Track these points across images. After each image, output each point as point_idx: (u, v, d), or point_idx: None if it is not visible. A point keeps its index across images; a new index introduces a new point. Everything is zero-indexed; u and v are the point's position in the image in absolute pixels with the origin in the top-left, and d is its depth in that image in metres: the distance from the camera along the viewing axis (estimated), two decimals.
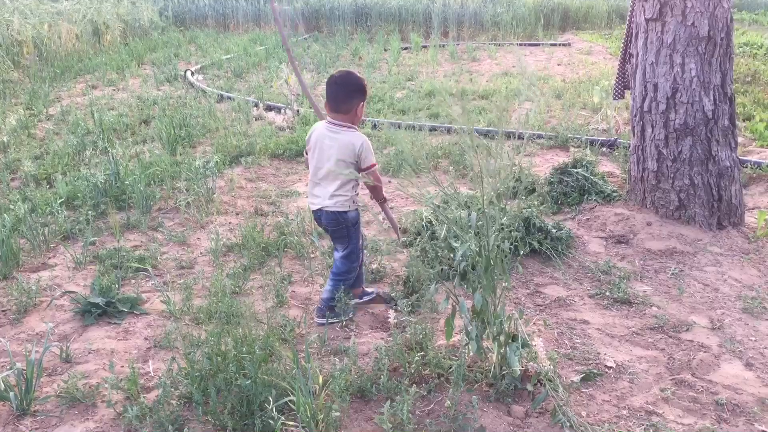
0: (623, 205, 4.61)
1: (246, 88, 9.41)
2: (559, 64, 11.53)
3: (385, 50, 13.34)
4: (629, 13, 4.63)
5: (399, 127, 6.93)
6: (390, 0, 16.92)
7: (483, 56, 12.62)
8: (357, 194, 3.36)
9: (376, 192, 3.47)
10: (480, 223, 2.66)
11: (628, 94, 4.84)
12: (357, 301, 3.53)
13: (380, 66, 11.59)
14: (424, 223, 4.31)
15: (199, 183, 5.06)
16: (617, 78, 4.95)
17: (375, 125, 7.13)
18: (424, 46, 13.64)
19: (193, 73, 10.48)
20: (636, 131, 4.49)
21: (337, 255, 3.43)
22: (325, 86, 3.40)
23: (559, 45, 13.92)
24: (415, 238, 4.22)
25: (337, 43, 13.99)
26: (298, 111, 7.66)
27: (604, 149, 6.08)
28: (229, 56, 12.25)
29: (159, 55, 12.35)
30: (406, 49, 13.48)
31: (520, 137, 6.61)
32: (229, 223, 4.68)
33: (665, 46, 4.18)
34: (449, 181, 5.32)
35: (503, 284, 2.78)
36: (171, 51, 13.01)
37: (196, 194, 4.98)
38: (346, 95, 3.25)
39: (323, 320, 3.29)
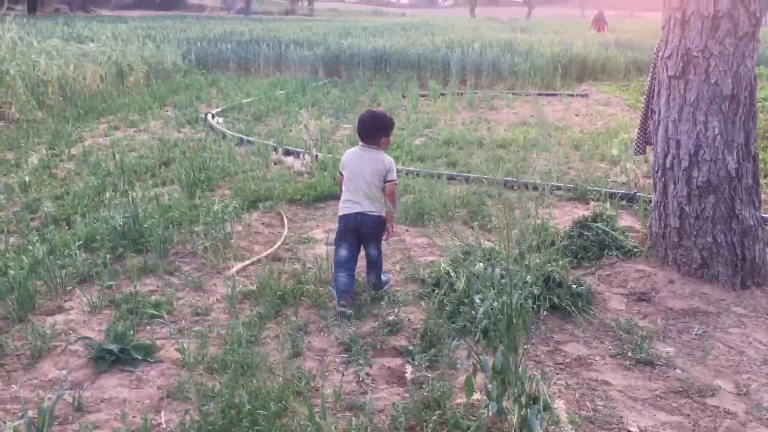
0: (644, 262, 4.55)
1: (266, 132, 9.49)
2: (576, 115, 11.56)
3: (404, 97, 13.46)
4: (651, 70, 4.64)
5: (417, 175, 6.93)
6: (409, 48, 17.15)
7: (501, 105, 12.70)
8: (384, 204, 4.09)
9: (392, 201, 4.25)
10: (503, 280, 2.62)
11: (649, 149, 4.82)
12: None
13: (399, 112, 11.67)
14: (442, 275, 4.27)
15: (217, 228, 5.06)
16: (639, 133, 4.94)
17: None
18: (443, 94, 13.75)
19: (213, 116, 10.60)
20: (658, 187, 4.46)
21: (373, 252, 4.24)
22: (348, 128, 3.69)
23: (577, 95, 13.99)
24: (433, 290, 4.18)
25: (356, 89, 14.15)
26: (316, 156, 7.70)
27: (624, 203, 6.04)
28: (249, 100, 12.41)
29: (181, 98, 12.52)
30: (424, 96, 13.59)
31: (537, 188, 6.60)
32: (246, 269, 4.66)
33: (688, 104, 4.17)
34: (473, 233, 5.29)
35: (525, 344, 2.72)
36: (193, 94, 13.20)
37: (214, 239, 4.97)
38: (370, 131, 4.22)
39: (349, 309, 3.98)
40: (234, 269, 4.59)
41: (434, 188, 6.27)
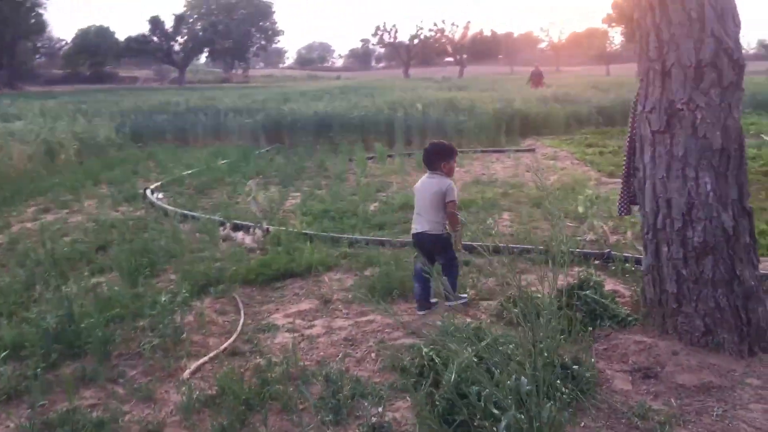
0: (642, 332, 4.19)
1: (211, 206, 8.97)
2: (528, 171, 11.39)
3: (350, 160, 13.13)
4: (630, 125, 4.38)
5: (383, 245, 6.51)
6: (352, 110, 16.95)
7: None
8: (446, 223, 4.79)
9: (452, 219, 4.80)
10: (529, 388, 2.18)
11: (634, 209, 4.53)
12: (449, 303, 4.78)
13: (348, 177, 11.32)
14: (426, 362, 3.81)
15: (165, 321, 4.50)
16: (622, 193, 4.65)
17: (351, 243, 6.70)
18: (390, 155, 13.50)
19: (153, 192, 10.01)
20: (650, 250, 4.14)
21: (442, 262, 4.84)
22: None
23: (524, 151, 13.93)
24: (418, 381, 3.70)
25: (301, 155, 13.77)
26: (268, 230, 7.21)
27: (598, 263, 5.73)
28: (190, 172, 11.86)
29: (116, 174, 11.89)
30: (371, 158, 13.30)
31: (508, 252, 6.24)
32: (202, 368, 4.10)
33: (676, 160, 3.89)
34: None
35: None
36: (129, 168, 12.58)
37: (162, 335, 4.40)
38: (432, 156, 4.92)
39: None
40: (188, 371, 4.02)
41: (400, 260, 5.84)
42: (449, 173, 4.91)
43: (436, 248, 4.84)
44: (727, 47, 3.72)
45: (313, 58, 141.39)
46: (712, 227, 3.85)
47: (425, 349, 3.93)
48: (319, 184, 10.65)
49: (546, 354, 3.39)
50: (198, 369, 4.08)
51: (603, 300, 4.38)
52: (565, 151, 13.62)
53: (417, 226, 4.86)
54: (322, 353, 4.28)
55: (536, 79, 29.39)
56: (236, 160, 13.06)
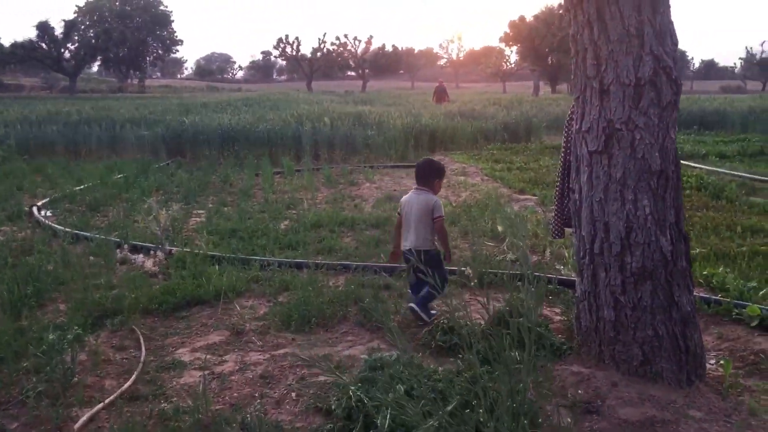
0: (578, 361, 3.99)
1: (105, 225, 8.26)
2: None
3: (257, 175, 12.64)
4: (563, 145, 4.21)
5: (300, 267, 6.11)
6: (257, 123, 16.40)
7: (360, 179, 12.21)
8: (435, 239, 4.88)
9: (441, 234, 4.89)
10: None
11: (569, 231, 4.35)
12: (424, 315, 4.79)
13: (255, 193, 10.83)
14: (354, 403, 3.46)
15: (53, 362, 3.94)
16: (556, 215, 4.47)
17: (263, 266, 6.26)
18: (298, 170, 13.09)
19: (40, 209, 9.18)
20: (585, 276, 3.95)
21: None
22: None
23: None
24: (345, 425, 3.35)
25: (204, 169, 13.15)
26: (170, 251, 6.66)
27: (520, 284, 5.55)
28: (82, 187, 11.02)
29: None
30: (278, 173, 12.85)
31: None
32: (97, 417, 3.57)
33: (614, 182, 3.72)
34: (374, 337, 4.53)
35: None
36: (13, 183, 11.57)
37: (49, 379, 3.84)
38: (426, 172, 5.01)
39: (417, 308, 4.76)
40: (80, 422, 3.48)
41: (318, 283, 5.47)
42: (437, 190, 5.03)
43: (425, 263, 4.63)
44: (666, 66, 3.59)
45: (213, 69, 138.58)
46: (650, 252, 3.70)
47: (352, 389, 3.58)
48: (225, 200, 10.11)
49: (484, 392, 3.12)
50: (92, 419, 3.55)
51: (537, 329, 4.15)
52: (474, 167, 13.61)
53: (406, 243, 4.90)
54: (236, 394, 3.84)
55: (440, 94, 29.68)
56: (134, 175, 12.28)
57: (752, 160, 13.79)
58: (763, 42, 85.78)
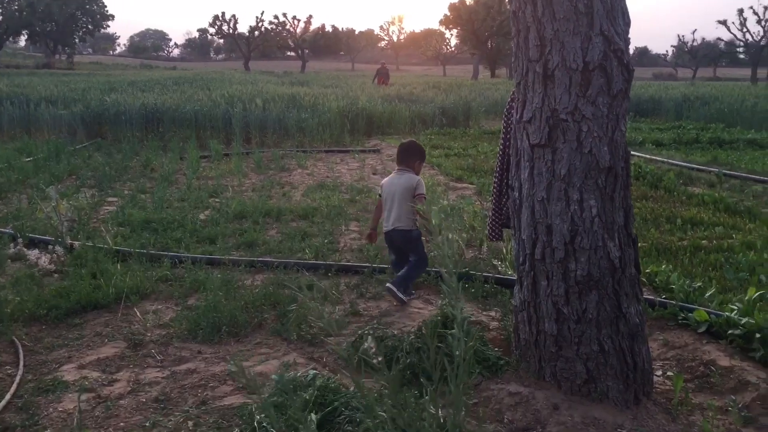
0: (516, 379, 3.57)
1: (3, 215, 7.48)
2: (374, 174, 10.80)
3: (182, 159, 11.90)
4: (502, 136, 3.76)
5: (211, 264, 5.54)
6: (185, 104, 15.54)
7: (292, 165, 11.61)
8: (417, 219, 4.77)
9: (423, 214, 4.50)
10: None
11: (507, 233, 3.92)
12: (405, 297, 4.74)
13: (177, 179, 10.12)
14: None
15: None
16: (492, 215, 4.02)
17: (175, 262, 5.67)
18: (226, 154, 12.40)
19: None
20: (525, 284, 3.52)
21: (412, 258, 4.87)
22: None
23: (369, 151, 13.32)
24: None
25: (124, 152, 12.30)
26: (71, 246, 5.98)
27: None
28: None
29: None
30: (205, 157, 12.13)
31: (357, 272, 5.51)
32: None
33: (558, 179, 3.29)
34: (289, 351, 4.01)
35: None
36: None
37: None
38: (406, 154, 5.06)
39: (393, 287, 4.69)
40: None
41: (232, 285, 4.92)
42: (418, 172, 5.05)
43: (406, 245, 4.92)
44: (617, 48, 3.17)
45: (148, 47, 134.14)
46: (597, 258, 3.30)
47: (258, 417, 3.08)
48: (144, 186, 9.38)
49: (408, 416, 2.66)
50: None
51: (470, 343, 3.72)
52: None
53: (387, 223, 4.93)
54: (122, 424, 3.28)
55: (382, 77, 29.23)
56: (45, 158, 11.35)
57: (688, 148, 13.76)
58: (695, 30, 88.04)
